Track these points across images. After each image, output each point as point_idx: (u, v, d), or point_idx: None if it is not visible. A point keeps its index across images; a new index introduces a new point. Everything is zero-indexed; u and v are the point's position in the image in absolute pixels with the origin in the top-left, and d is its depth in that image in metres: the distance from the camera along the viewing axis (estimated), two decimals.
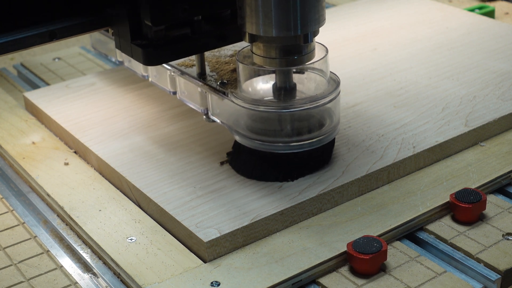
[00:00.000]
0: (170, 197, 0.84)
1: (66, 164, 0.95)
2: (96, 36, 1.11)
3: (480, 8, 1.39)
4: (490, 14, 1.38)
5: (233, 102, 0.85)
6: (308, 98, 0.84)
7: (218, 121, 0.89)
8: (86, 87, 1.11)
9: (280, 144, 0.83)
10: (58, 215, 0.88)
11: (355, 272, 0.76)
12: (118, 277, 0.78)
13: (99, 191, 0.90)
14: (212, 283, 0.74)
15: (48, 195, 0.90)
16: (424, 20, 1.28)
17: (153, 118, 1.01)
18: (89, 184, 0.91)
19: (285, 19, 0.79)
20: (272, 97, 0.86)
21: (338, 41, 1.22)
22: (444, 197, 0.84)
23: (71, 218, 0.85)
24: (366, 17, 1.31)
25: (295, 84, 0.86)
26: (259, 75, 0.87)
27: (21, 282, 0.77)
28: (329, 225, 0.82)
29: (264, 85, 0.88)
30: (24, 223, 0.87)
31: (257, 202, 0.82)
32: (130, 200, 0.88)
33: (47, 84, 1.20)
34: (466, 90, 1.03)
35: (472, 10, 1.38)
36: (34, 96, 1.10)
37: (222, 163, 0.90)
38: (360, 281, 0.74)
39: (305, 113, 0.84)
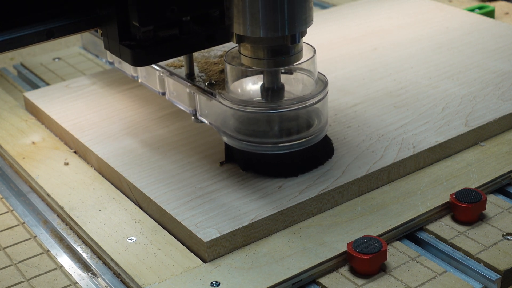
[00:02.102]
0: (170, 197, 0.84)
1: (66, 164, 0.95)
2: (87, 36, 1.11)
3: (480, 8, 1.39)
4: (490, 14, 1.38)
5: (221, 102, 0.85)
6: (295, 98, 0.84)
7: (206, 122, 0.89)
8: (86, 87, 1.11)
9: (268, 145, 0.84)
10: (58, 215, 0.88)
11: (355, 272, 0.76)
12: (118, 277, 0.78)
13: (99, 191, 0.90)
14: (212, 283, 0.74)
15: (48, 195, 0.90)
16: (424, 20, 1.28)
17: (153, 118, 1.01)
18: (89, 184, 0.91)
19: (273, 19, 0.78)
20: (260, 98, 0.86)
21: (338, 41, 1.22)
22: (444, 197, 0.84)
23: (71, 218, 0.85)
24: (366, 17, 1.31)
25: (283, 85, 0.86)
26: (246, 76, 0.87)
27: (21, 282, 0.77)
28: (329, 225, 0.82)
29: (252, 86, 0.88)
30: (24, 223, 0.87)
31: (257, 202, 0.82)
32: (130, 200, 0.88)
33: (47, 84, 1.20)
34: (466, 90, 1.03)
35: (472, 10, 1.38)
36: (34, 96, 1.10)
37: (222, 163, 0.90)
38: (360, 281, 0.74)
39: (293, 113, 0.84)
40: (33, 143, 1.01)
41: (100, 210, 0.86)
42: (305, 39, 1.28)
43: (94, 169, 0.95)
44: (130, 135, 0.98)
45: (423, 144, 0.91)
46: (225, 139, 0.86)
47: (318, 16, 1.34)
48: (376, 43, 1.20)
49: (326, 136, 0.89)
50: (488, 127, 0.95)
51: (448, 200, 0.84)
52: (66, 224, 0.87)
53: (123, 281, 0.77)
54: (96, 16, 0.85)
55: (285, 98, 0.85)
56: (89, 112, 1.04)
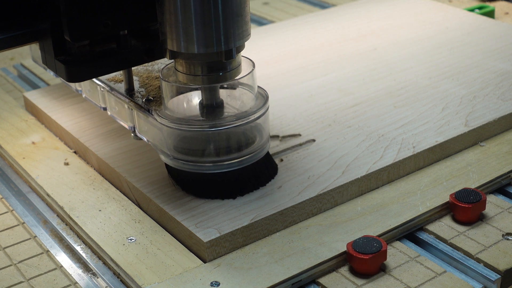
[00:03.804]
0: (170, 197, 0.84)
1: (66, 164, 0.95)
2: (36, 49, 1.07)
3: (480, 8, 1.39)
4: (490, 14, 1.38)
5: (156, 120, 0.82)
6: (235, 115, 0.81)
7: (145, 139, 0.87)
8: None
9: (207, 164, 0.81)
10: (58, 215, 0.88)
11: (355, 272, 0.76)
12: (118, 277, 0.78)
13: (99, 191, 0.90)
14: (212, 283, 0.74)
15: (48, 195, 0.90)
16: (424, 20, 1.28)
17: None
18: (89, 184, 0.91)
19: (206, 35, 0.76)
20: (198, 115, 0.83)
21: (338, 41, 1.22)
22: (444, 197, 0.84)
23: (71, 218, 0.85)
24: (366, 17, 1.31)
25: (222, 101, 0.83)
26: (183, 93, 0.84)
27: (21, 282, 0.77)
28: (329, 225, 0.82)
29: (189, 103, 0.85)
30: (24, 223, 0.87)
31: (257, 202, 0.82)
32: (130, 200, 0.88)
33: (47, 84, 1.20)
34: (466, 90, 1.03)
35: (472, 10, 1.38)
36: (34, 96, 1.10)
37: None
38: (360, 281, 0.74)
39: (232, 130, 0.80)
40: (33, 143, 1.01)
41: (100, 210, 0.86)
42: (306, 39, 1.29)
43: (94, 169, 0.95)
44: (130, 135, 0.98)
45: (423, 144, 0.91)
46: (162, 158, 0.83)
47: (318, 16, 1.34)
48: (376, 43, 1.20)
49: (267, 154, 0.86)
50: (488, 127, 0.95)
51: (448, 200, 0.84)
52: (66, 224, 0.87)
53: (123, 281, 0.77)
54: (33, 30, 0.82)
55: (225, 114, 0.82)
56: (89, 112, 1.04)
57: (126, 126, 0.89)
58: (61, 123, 1.01)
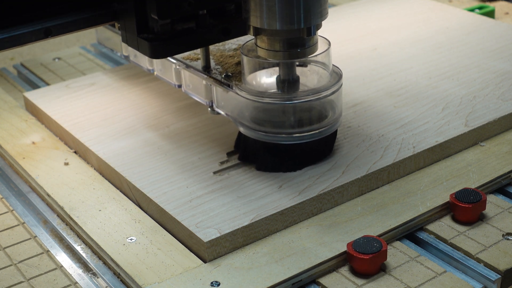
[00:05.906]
0: (170, 197, 0.84)
1: (66, 164, 0.95)
2: (102, 31, 1.13)
3: (480, 8, 1.39)
4: (490, 14, 1.38)
5: (238, 94, 0.86)
6: (311, 90, 0.86)
7: (223, 113, 0.91)
8: (86, 87, 1.12)
9: (284, 135, 0.85)
10: (58, 215, 0.88)
11: (355, 272, 0.76)
12: (118, 277, 0.78)
13: (99, 191, 0.90)
14: (212, 283, 0.74)
15: (48, 195, 0.90)
16: (424, 20, 1.28)
17: (153, 118, 1.01)
18: (89, 184, 0.91)
19: (289, 12, 0.80)
20: (275, 90, 0.88)
21: (338, 41, 1.22)
22: (444, 197, 0.84)
23: (71, 218, 0.85)
24: (366, 17, 1.31)
25: (298, 77, 0.87)
26: (263, 68, 0.89)
27: (21, 282, 0.77)
28: (329, 225, 0.82)
29: (268, 78, 0.90)
30: (24, 223, 0.87)
31: (257, 202, 0.82)
32: (130, 200, 0.88)
33: (47, 84, 1.20)
34: (466, 90, 1.03)
35: (472, 10, 1.38)
36: (34, 96, 1.10)
37: (222, 163, 0.90)
38: (360, 281, 0.74)
39: (308, 105, 0.86)
40: (33, 143, 1.01)
41: (100, 210, 0.86)
42: None
43: (94, 169, 0.95)
44: (130, 135, 0.98)
45: (423, 144, 0.91)
46: (241, 129, 0.88)
47: None
48: (376, 43, 1.20)
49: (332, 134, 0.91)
50: (488, 127, 0.95)
51: (448, 200, 0.84)
52: (66, 224, 0.87)
53: (123, 281, 0.77)
54: (113, 10, 0.88)
55: (300, 90, 0.87)
56: (89, 112, 1.04)
57: (202, 101, 0.93)
58: (61, 123, 1.01)
